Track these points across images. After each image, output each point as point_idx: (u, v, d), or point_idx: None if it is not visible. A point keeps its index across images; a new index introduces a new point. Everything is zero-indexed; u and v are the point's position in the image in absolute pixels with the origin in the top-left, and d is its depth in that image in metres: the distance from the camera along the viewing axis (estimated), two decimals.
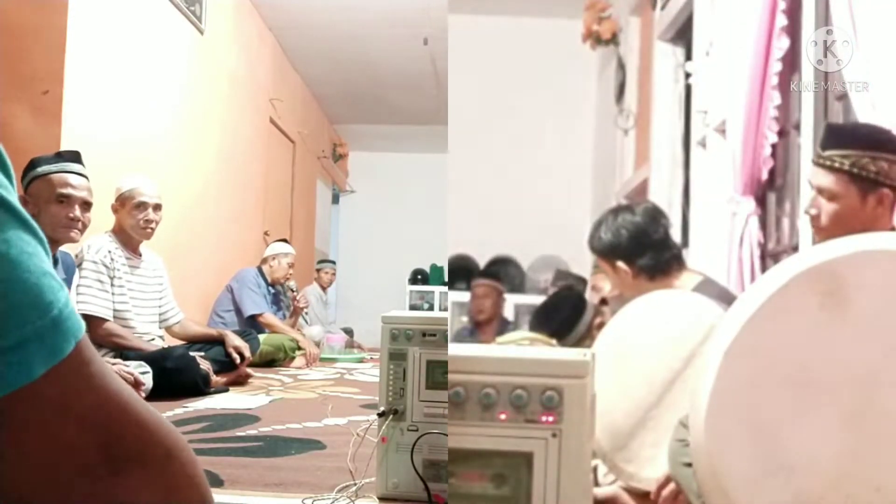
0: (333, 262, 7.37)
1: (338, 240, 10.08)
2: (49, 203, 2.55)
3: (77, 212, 2.59)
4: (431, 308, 9.11)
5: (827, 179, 1.64)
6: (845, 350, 1.06)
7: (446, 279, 7.90)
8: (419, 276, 9.47)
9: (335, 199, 9.99)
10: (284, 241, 5.79)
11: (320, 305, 6.76)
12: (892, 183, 1.59)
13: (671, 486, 1.52)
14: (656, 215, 2.15)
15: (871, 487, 1.03)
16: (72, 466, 0.57)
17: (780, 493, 1.05)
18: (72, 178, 2.61)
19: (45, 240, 0.57)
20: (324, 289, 6.97)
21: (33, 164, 2.60)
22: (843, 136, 1.67)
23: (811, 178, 1.70)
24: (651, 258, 2.06)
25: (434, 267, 9.52)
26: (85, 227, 2.66)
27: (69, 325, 0.56)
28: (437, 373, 1.48)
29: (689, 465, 1.32)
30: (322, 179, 8.92)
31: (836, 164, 1.63)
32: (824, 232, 1.66)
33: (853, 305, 1.06)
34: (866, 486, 1.04)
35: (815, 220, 1.68)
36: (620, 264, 2.08)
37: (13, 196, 0.56)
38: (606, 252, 2.11)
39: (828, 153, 1.65)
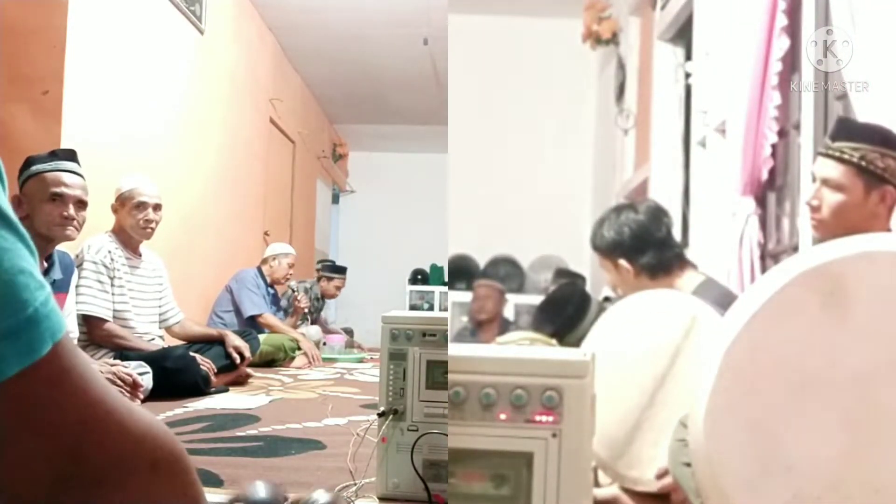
0: (344, 272, 6.41)
1: (338, 240, 10.08)
2: (43, 202, 2.55)
3: (71, 210, 2.58)
4: (431, 308, 9.11)
5: (834, 170, 1.65)
6: (846, 351, 1.05)
7: (446, 279, 7.89)
8: (419, 276, 9.48)
9: (335, 199, 9.99)
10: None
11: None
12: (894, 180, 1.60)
13: (670, 477, 1.52)
14: (659, 214, 2.14)
15: (871, 489, 1.03)
16: (45, 472, 0.55)
17: (779, 494, 1.05)
18: (66, 177, 2.60)
19: (27, 237, 0.56)
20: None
21: (28, 163, 2.60)
22: (854, 130, 1.69)
23: (816, 169, 1.71)
24: (653, 257, 2.05)
25: (434, 267, 9.51)
26: (80, 225, 2.66)
27: (46, 326, 0.54)
28: (437, 373, 1.48)
29: (689, 464, 1.32)
30: (322, 179, 8.92)
31: (846, 156, 1.64)
32: (823, 225, 1.67)
33: (854, 306, 1.06)
34: (865, 487, 1.04)
35: (815, 211, 1.68)
36: (622, 262, 2.08)
37: None
38: (608, 250, 2.11)
39: (837, 144, 1.66)
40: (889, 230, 1.62)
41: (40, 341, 0.53)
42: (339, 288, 6.24)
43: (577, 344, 1.85)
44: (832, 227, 1.65)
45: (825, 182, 1.66)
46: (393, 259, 9.56)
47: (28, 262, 0.54)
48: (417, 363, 1.49)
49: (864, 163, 1.62)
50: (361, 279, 9.66)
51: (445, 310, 7.96)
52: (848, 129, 1.70)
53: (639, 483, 1.62)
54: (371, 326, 8.97)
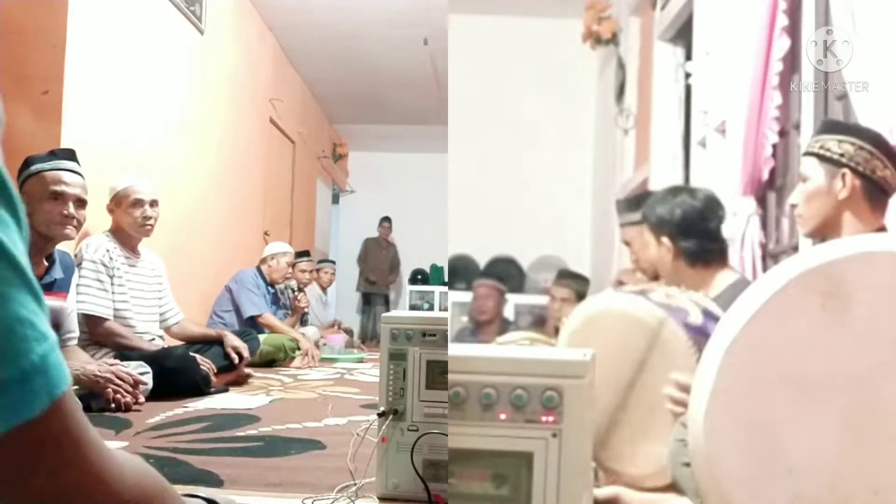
0: (333, 262, 7.40)
1: (338, 240, 10.07)
2: (42, 201, 2.55)
3: (71, 209, 2.58)
4: (431, 308, 9.12)
5: (804, 165, 1.76)
6: (846, 351, 1.05)
7: (446, 279, 7.91)
8: (419, 276, 9.47)
9: (335, 199, 9.99)
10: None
11: (320, 306, 6.76)
12: (856, 167, 1.67)
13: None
14: (714, 205, 2.14)
15: (870, 490, 1.03)
16: None
17: (778, 495, 1.05)
18: (65, 176, 2.61)
19: (34, 284, 0.50)
20: (323, 289, 6.97)
21: (27, 162, 2.60)
22: (823, 126, 1.82)
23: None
24: (697, 244, 2.04)
25: (434, 267, 9.52)
26: (80, 224, 2.65)
27: (43, 382, 0.48)
28: (436, 373, 1.48)
29: (689, 464, 1.32)
30: (322, 179, 8.91)
31: (809, 149, 1.76)
32: (802, 220, 1.76)
33: (854, 307, 1.06)
34: (865, 488, 1.04)
35: (795, 208, 1.77)
36: (665, 240, 2.06)
37: (8, 236, 0.48)
38: (656, 224, 2.08)
39: (809, 142, 1.79)
40: (862, 215, 1.67)
41: (34, 398, 0.48)
42: (305, 271, 6.03)
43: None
44: (808, 218, 1.73)
45: (801, 178, 1.77)
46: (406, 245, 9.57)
47: (31, 310, 0.49)
48: (417, 363, 1.49)
49: (821, 151, 1.72)
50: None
51: (446, 310, 7.98)
52: (820, 127, 1.82)
53: (621, 476, 1.63)
54: None
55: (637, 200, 2.38)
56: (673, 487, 1.57)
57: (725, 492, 1.07)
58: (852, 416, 1.04)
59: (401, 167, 10.02)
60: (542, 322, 4.37)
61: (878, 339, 1.05)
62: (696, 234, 2.05)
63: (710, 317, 1.66)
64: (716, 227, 2.10)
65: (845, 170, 1.67)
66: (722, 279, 2.03)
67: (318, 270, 6.97)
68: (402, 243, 9.63)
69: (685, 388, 1.54)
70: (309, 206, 8.28)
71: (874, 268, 1.07)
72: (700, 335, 1.59)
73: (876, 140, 1.71)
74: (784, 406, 1.06)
